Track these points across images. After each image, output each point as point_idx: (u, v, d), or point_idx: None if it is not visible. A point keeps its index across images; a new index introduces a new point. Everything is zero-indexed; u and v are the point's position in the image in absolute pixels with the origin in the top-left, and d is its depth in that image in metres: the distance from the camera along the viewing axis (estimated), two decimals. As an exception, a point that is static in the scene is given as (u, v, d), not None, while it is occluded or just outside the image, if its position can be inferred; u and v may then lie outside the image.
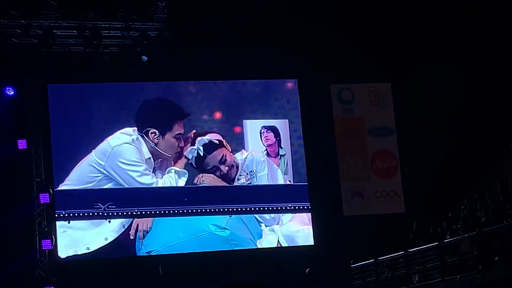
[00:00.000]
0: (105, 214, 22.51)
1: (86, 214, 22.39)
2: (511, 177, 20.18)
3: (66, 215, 22.34)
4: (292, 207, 23.75)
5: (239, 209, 23.44)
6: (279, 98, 24.32)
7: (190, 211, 23.08)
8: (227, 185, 23.48)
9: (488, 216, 19.02)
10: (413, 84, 23.82)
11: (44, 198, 21.90)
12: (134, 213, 22.78)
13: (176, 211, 23.02)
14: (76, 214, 22.37)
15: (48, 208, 22.14)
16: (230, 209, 23.35)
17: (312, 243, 23.60)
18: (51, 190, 22.08)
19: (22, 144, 21.87)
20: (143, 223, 22.86)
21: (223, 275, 20.21)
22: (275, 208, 23.62)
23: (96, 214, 22.46)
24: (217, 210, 23.24)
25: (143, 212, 22.84)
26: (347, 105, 24.54)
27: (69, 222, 22.32)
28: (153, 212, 22.89)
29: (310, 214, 23.81)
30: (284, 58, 23.23)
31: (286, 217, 23.78)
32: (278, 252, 23.36)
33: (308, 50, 23.28)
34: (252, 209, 23.52)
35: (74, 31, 21.90)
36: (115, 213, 22.61)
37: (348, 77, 24.29)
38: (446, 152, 23.37)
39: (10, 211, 21.37)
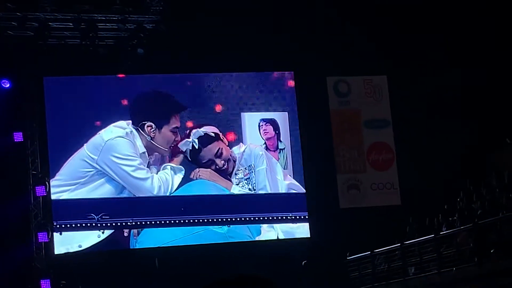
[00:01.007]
0: (98, 225, 22.08)
1: (79, 225, 22.01)
2: (506, 169, 20.19)
3: (58, 226, 21.99)
4: (293, 217, 23.32)
5: (237, 219, 22.96)
6: (276, 90, 24.13)
7: (187, 221, 22.63)
8: (224, 194, 23.02)
9: (484, 208, 19.03)
10: (409, 76, 23.82)
11: (40, 190, 21.84)
12: (128, 223, 22.34)
13: (172, 221, 22.57)
14: (68, 225, 21.99)
15: (44, 201, 22.08)
16: (228, 219, 22.89)
17: (309, 236, 23.59)
18: (47, 183, 21.99)
19: (18, 136, 21.81)
20: (138, 218, 22.70)
21: (219, 268, 20.16)
22: (274, 218, 23.21)
23: (89, 225, 22.04)
24: (214, 220, 22.79)
25: (138, 223, 22.41)
26: (343, 98, 24.53)
27: (61, 234, 21.98)
28: (148, 223, 22.43)
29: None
30: (281, 50, 23.18)
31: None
32: (274, 244, 23.32)
33: (305, 43, 23.24)
34: (251, 218, 23.09)
35: (70, 24, 21.87)
36: (108, 224, 22.18)
37: (344, 69, 24.28)
38: (442, 144, 23.39)
39: (6, 204, 21.32)
